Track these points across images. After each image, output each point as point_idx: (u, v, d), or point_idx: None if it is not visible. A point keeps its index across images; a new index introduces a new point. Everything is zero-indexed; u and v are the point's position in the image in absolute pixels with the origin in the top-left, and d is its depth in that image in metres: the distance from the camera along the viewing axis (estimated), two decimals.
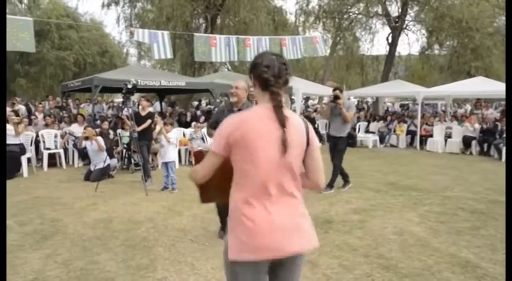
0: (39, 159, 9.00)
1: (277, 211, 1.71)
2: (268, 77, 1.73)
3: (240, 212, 1.70)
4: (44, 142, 8.91)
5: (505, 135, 10.73)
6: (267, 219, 1.69)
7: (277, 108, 1.72)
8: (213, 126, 4.09)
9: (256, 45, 10.77)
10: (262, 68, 1.75)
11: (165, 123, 6.98)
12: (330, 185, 6.39)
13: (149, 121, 7.28)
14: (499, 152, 10.37)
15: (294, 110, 13.44)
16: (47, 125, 9.71)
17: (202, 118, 11.22)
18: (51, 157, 8.95)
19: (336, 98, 6.26)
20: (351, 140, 6.44)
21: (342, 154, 6.46)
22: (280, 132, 1.68)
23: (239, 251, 1.68)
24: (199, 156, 2.06)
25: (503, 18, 20.47)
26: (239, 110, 3.82)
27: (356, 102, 24.65)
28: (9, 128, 7.66)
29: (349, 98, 13.71)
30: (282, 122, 1.70)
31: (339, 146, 6.38)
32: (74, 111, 12.63)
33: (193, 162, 2.71)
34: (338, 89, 6.45)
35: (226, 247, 1.75)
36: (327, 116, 6.84)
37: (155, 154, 8.78)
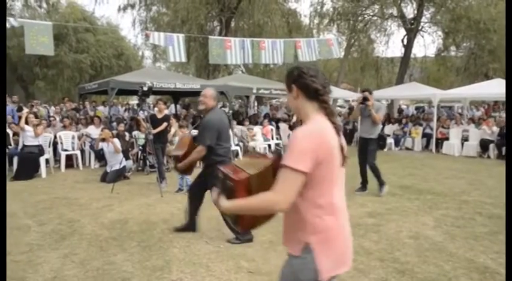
0: (57, 160, 9.17)
1: (346, 224, 1.78)
2: (318, 86, 1.71)
3: (327, 230, 1.67)
4: (61, 143, 9.08)
5: None
6: (345, 232, 1.75)
7: (332, 116, 1.72)
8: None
9: (271, 47, 10.79)
10: (310, 78, 1.71)
11: (181, 126, 7.04)
12: (381, 185, 6.45)
13: (165, 124, 7.36)
14: None
15: None
16: (64, 127, 9.89)
17: None
18: (69, 158, 9.12)
19: (365, 99, 6.29)
20: (381, 141, 6.45)
21: (374, 154, 6.47)
22: (337, 141, 1.68)
23: (330, 269, 1.66)
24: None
25: None
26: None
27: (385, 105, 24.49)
28: (29, 129, 7.84)
29: (378, 100, 13.61)
30: (338, 130, 1.71)
31: (369, 146, 6.41)
32: (91, 113, 12.83)
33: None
34: (367, 90, 6.47)
35: (298, 270, 1.69)
36: (356, 118, 6.80)
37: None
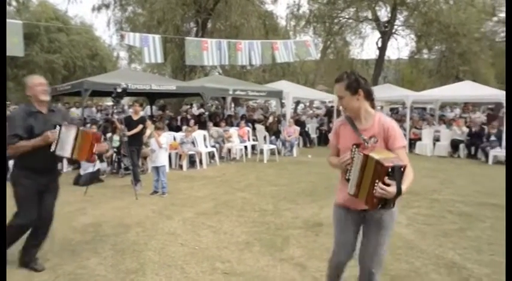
0: None
1: None
2: (372, 91, 2.43)
3: None
4: None
5: (492, 138, 10.92)
6: None
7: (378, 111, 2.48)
8: None
9: (247, 49, 10.82)
10: (368, 85, 2.41)
11: (158, 128, 6.96)
12: None
13: (140, 126, 7.27)
14: (486, 155, 10.54)
15: (284, 115, 13.52)
16: None
17: (192, 122, 11.20)
18: None
19: None
20: None
21: None
22: None
23: None
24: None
25: (490, 23, 20.86)
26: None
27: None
28: None
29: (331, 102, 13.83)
30: None
31: None
32: None
33: None
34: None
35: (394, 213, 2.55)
36: None
37: (145, 158, 8.76)
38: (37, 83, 3.44)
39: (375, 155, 2.17)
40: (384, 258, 2.54)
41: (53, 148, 3.37)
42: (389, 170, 2.10)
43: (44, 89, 3.44)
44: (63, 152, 3.47)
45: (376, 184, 2.13)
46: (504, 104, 11.34)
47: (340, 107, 2.73)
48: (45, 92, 3.46)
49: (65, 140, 3.43)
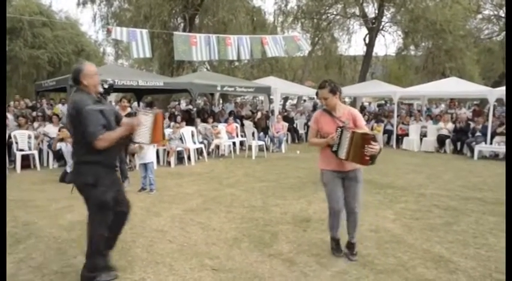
0: (12, 161, 8.75)
1: None
2: (341, 91, 3.59)
3: None
4: (16, 143, 8.67)
5: (477, 134, 11.09)
6: None
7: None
8: None
9: (237, 44, 10.72)
10: (339, 88, 3.56)
11: None
12: None
13: None
14: (472, 150, 10.69)
15: (273, 110, 13.51)
16: (19, 126, 9.45)
17: (179, 118, 11.12)
18: (25, 158, 8.72)
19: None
20: None
21: None
22: None
23: None
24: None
25: (475, 21, 21.12)
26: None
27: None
28: None
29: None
30: None
31: None
32: (48, 111, 12.31)
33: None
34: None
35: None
36: None
37: (133, 154, 8.67)
38: (94, 71, 3.18)
39: (359, 131, 3.35)
40: (361, 200, 3.67)
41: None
42: (373, 137, 3.33)
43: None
44: (143, 138, 3.30)
45: (365, 148, 3.23)
46: (490, 101, 11.54)
47: (322, 102, 3.61)
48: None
49: (143, 127, 3.22)
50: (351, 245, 3.75)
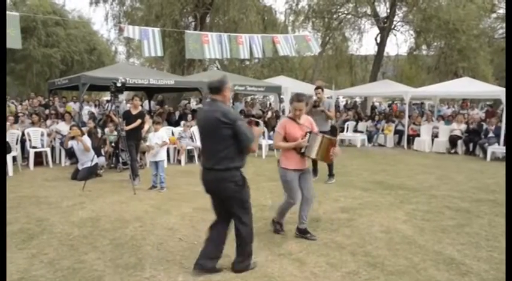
0: (25, 158, 8.88)
1: None
2: None
3: None
4: (30, 140, 8.79)
5: (490, 135, 10.93)
6: None
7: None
8: None
9: (248, 42, 10.71)
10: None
11: (157, 122, 6.93)
12: (331, 176, 7.16)
13: (139, 121, 7.23)
14: (484, 151, 10.55)
15: (283, 110, 13.49)
16: (33, 124, 9.58)
17: (190, 117, 11.16)
18: (38, 155, 8.84)
19: (315, 106, 6.97)
20: (333, 132, 7.27)
21: None
22: None
23: None
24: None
25: (489, 20, 20.81)
26: None
27: (344, 102, 24.84)
28: None
29: (330, 97, 13.90)
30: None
31: None
32: (60, 109, 12.45)
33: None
34: (320, 87, 7.17)
35: None
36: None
37: (143, 152, 8.73)
38: (231, 87, 3.57)
39: (327, 136, 4.16)
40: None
41: (303, 150, 4.02)
42: (335, 141, 4.15)
43: None
44: (311, 153, 4.08)
45: (332, 150, 4.07)
46: (503, 101, 11.36)
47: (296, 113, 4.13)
48: None
49: (313, 145, 4.03)
50: (306, 231, 4.26)
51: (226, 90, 3.37)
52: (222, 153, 3.23)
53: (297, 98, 4.07)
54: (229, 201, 3.36)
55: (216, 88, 3.36)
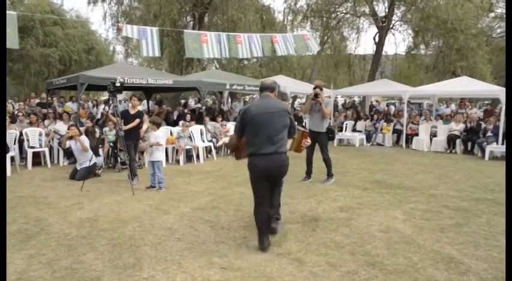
0: (23, 158, 8.85)
1: None
2: None
3: None
4: (27, 140, 8.76)
5: (488, 134, 10.94)
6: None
7: None
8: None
9: (247, 42, 10.70)
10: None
11: (157, 124, 6.91)
12: (330, 176, 7.11)
13: (137, 120, 7.21)
14: (483, 150, 10.56)
15: None
16: (31, 123, 9.55)
17: (189, 117, 11.15)
18: (36, 155, 8.81)
19: (316, 96, 6.83)
20: (330, 134, 7.09)
21: (326, 148, 7.00)
22: None
23: None
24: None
25: (487, 19, 20.83)
26: None
27: (343, 101, 24.85)
28: None
29: (328, 96, 13.88)
30: None
31: (320, 141, 6.87)
32: (59, 109, 12.41)
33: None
34: (318, 87, 7.04)
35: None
36: (306, 112, 7.25)
37: (142, 152, 8.72)
38: None
39: (300, 129, 4.42)
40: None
41: None
42: (307, 133, 4.71)
43: None
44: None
45: (303, 141, 4.56)
46: (502, 100, 11.37)
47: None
48: None
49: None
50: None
51: (276, 90, 4.05)
52: (283, 139, 3.81)
53: (282, 97, 4.39)
54: (281, 179, 4.09)
55: (272, 88, 3.98)
